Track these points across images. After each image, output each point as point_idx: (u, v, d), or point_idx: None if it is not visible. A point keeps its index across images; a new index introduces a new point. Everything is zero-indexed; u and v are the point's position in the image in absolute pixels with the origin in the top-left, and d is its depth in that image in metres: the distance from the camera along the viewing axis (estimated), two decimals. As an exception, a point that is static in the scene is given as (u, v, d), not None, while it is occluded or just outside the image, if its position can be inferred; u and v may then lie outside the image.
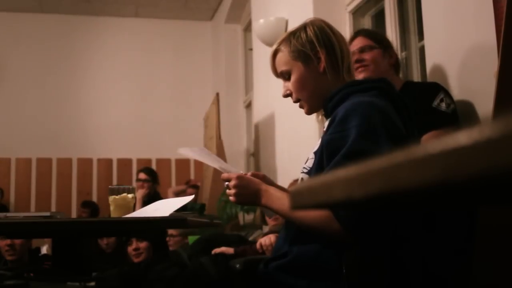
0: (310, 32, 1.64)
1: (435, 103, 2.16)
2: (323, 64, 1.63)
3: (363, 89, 1.57)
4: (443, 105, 2.16)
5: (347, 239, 1.40)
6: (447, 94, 2.21)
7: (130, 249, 3.81)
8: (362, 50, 2.41)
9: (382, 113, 1.46)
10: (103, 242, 4.62)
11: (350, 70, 1.68)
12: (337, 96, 1.58)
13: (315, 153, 1.56)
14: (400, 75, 2.59)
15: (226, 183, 1.63)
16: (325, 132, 1.55)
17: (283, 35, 1.71)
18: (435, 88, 2.23)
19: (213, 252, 2.91)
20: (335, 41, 1.64)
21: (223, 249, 2.93)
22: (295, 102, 1.71)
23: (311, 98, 1.66)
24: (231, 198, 1.62)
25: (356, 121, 1.42)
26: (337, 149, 1.42)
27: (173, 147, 6.60)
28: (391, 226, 1.45)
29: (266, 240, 2.77)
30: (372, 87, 1.57)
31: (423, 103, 2.18)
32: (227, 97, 6.36)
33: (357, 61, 2.38)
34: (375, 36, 2.47)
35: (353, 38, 2.49)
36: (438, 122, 2.13)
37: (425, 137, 2.13)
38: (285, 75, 1.69)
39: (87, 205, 6.12)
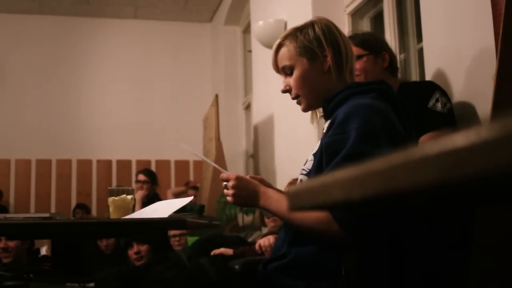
0: (318, 29, 1.63)
1: (431, 103, 2.15)
2: (328, 63, 1.62)
3: (363, 91, 1.57)
4: (439, 105, 2.15)
5: (345, 240, 1.40)
6: (443, 93, 2.19)
7: (131, 252, 3.81)
8: None
9: (382, 115, 1.46)
10: (102, 243, 4.61)
11: (352, 72, 1.67)
12: (337, 97, 1.58)
13: (315, 155, 1.56)
14: (399, 75, 2.57)
15: (224, 183, 1.63)
16: (325, 134, 1.55)
17: (288, 30, 1.69)
18: (430, 88, 2.22)
19: (212, 253, 2.91)
20: (342, 42, 1.64)
21: (222, 250, 2.93)
22: (293, 98, 1.69)
23: (310, 96, 1.66)
24: (228, 198, 1.61)
25: (356, 123, 1.42)
26: (336, 151, 1.42)
27: (172, 148, 6.64)
28: (390, 227, 1.45)
29: (265, 241, 2.78)
30: (372, 89, 1.57)
31: (419, 104, 2.17)
32: (226, 98, 6.37)
33: None
34: (365, 42, 2.45)
35: None
36: (433, 123, 2.12)
37: (422, 139, 2.12)
38: (286, 70, 1.67)
39: (83, 207, 6.13)
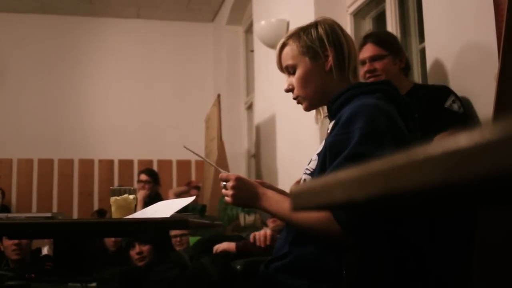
0: (321, 29, 1.64)
1: (447, 103, 2.17)
2: (330, 63, 1.62)
3: (368, 91, 1.57)
4: (455, 106, 2.17)
5: (346, 240, 1.40)
6: (457, 97, 2.22)
7: (133, 252, 3.80)
8: (373, 59, 2.42)
9: (386, 115, 1.46)
10: (111, 239, 4.57)
11: (356, 72, 1.68)
12: (342, 97, 1.58)
13: (319, 154, 1.56)
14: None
15: (224, 183, 1.62)
16: (329, 134, 1.55)
17: (293, 29, 1.70)
18: (446, 91, 2.25)
19: (214, 249, 2.90)
20: (344, 42, 1.64)
21: (224, 245, 2.92)
22: (294, 98, 1.70)
23: (312, 95, 1.66)
24: (227, 198, 1.60)
25: (360, 123, 1.42)
26: (340, 151, 1.42)
27: (174, 148, 6.67)
28: (391, 228, 1.45)
29: (261, 232, 2.77)
30: (376, 89, 1.57)
31: (435, 105, 2.19)
32: (228, 98, 6.37)
33: (369, 71, 2.40)
34: (385, 43, 2.46)
35: (362, 43, 2.49)
36: (451, 121, 2.14)
37: (438, 137, 2.13)
38: (290, 70, 1.68)
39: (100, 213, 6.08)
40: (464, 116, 2.18)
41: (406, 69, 2.49)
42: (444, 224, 1.59)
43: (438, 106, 2.18)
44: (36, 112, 6.70)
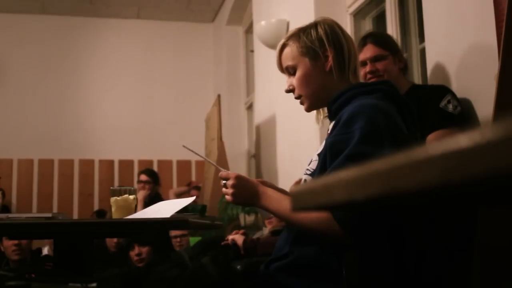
0: (320, 30, 1.64)
1: (442, 104, 2.18)
2: (330, 63, 1.62)
3: (368, 91, 1.57)
4: (450, 106, 2.18)
5: (346, 241, 1.40)
6: (454, 96, 2.22)
7: (132, 254, 3.80)
8: (374, 60, 2.42)
9: (386, 115, 1.46)
10: (112, 240, 4.56)
11: (356, 72, 1.68)
12: (342, 97, 1.58)
13: (319, 155, 1.56)
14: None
15: (223, 181, 1.62)
16: (329, 134, 1.55)
17: (292, 30, 1.70)
18: (442, 90, 2.25)
19: (227, 239, 2.92)
20: (344, 42, 1.64)
21: (236, 237, 2.93)
22: (296, 98, 1.70)
23: (313, 95, 1.66)
24: (227, 197, 1.60)
25: (360, 123, 1.42)
26: (340, 151, 1.42)
27: (174, 148, 6.65)
28: (391, 228, 1.45)
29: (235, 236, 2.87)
30: (376, 89, 1.57)
31: (431, 104, 2.20)
32: (228, 98, 6.37)
33: (370, 72, 2.40)
34: (385, 43, 2.47)
35: (362, 44, 2.49)
36: (444, 122, 2.15)
37: (430, 137, 2.14)
38: (290, 70, 1.68)
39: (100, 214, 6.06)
40: (460, 116, 2.18)
41: (404, 69, 2.50)
42: (444, 224, 1.59)
43: (434, 106, 2.19)
44: (36, 112, 6.70)
